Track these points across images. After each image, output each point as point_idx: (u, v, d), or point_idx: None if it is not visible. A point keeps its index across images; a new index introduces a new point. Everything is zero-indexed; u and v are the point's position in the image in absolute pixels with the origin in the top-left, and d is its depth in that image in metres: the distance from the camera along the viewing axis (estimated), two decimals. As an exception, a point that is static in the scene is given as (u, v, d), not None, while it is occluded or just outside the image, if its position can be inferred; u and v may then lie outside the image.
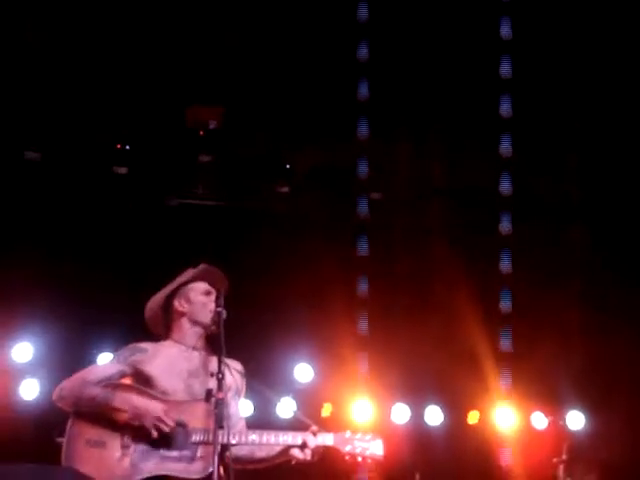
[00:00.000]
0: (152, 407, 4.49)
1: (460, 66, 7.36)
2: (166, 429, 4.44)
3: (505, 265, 8.13)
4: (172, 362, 4.69)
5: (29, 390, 7.91)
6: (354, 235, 8.09)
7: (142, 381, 4.64)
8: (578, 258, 8.28)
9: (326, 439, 4.52)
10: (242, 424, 4.77)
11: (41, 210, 7.95)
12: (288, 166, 8.23)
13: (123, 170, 7.97)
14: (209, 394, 4.43)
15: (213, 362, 4.55)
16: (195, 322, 4.79)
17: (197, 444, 4.45)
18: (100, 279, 7.83)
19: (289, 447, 4.54)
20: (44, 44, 7.22)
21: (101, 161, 7.99)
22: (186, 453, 4.45)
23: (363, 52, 7.29)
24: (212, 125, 7.85)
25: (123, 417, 4.50)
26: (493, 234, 8.12)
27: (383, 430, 7.16)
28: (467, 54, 7.28)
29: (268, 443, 4.57)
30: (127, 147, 7.93)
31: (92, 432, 4.52)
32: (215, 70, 7.51)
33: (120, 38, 7.24)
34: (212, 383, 4.47)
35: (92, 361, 7.82)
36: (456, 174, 8.22)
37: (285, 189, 8.28)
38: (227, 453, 4.34)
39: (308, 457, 4.52)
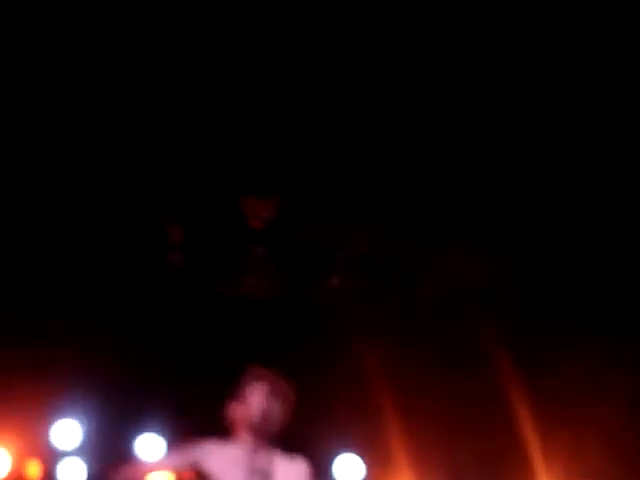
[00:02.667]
0: None
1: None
2: None
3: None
4: (233, 461, 4.79)
5: (72, 471, 7.92)
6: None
7: (201, 477, 4.76)
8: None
9: None
10: None
11: (96, 292, 8.08)
12: (341, 257, 8.31)
13: (179, 258, 8.10)
14: None
15: (274, 460, 4.62)
16: (250, 423, 4.89)
17: None
18: (150, 364, 7.91)
19: None
20: (102, 130, 7.41)
21: (157, 249, 8.13)
22: None
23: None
24: (266, 215, 7.97)
25: None
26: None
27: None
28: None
29: None
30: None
31: None
32: (272, 160, 7.64)
33: (174, 126, 7.41)
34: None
35: (133, 442, 7.92)
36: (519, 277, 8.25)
37: (335, 281, 8.36)
38: None
39: None
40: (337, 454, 8.33)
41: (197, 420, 6.99)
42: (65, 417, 7.98)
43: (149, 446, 7.96)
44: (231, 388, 5.10)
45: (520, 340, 8.21)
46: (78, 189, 7.76)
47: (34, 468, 7.87)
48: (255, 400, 4.90)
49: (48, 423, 7.95)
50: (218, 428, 5.14)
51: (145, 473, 4.78)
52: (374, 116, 7.17)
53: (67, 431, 7.96)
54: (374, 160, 7.50)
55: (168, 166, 7.63)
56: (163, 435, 8.00)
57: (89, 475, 7.87)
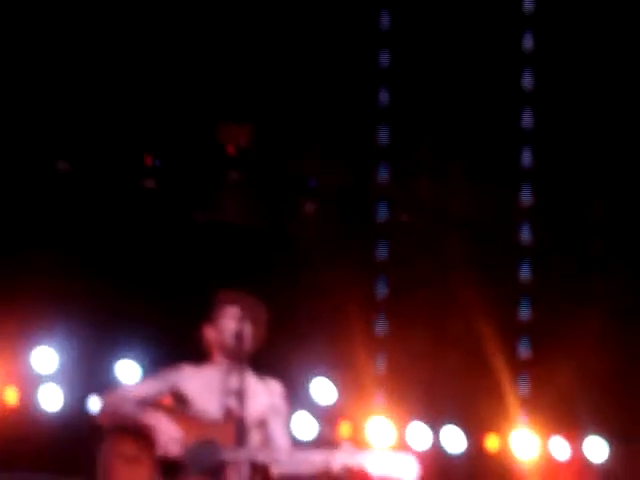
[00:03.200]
0: (168, 429, 4.59)
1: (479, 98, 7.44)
2: (172, 453, 4.53)
3: (525, 278, 8.14)
4: (209, 384, 4.80)
5: (50, 397, 7.97)
6: (374, 251, 8.13)
7: (179, 401, 4.78)
8: (600, 273, 8.27)
9: (357, 458, 4.55)
10: (285, 443, 4.86)
11: (69, 219, 8.04)
12: (314, 186, 8.29)
13: (152, 184, 8.06)
14: (229, 413, 4.53)
15: (250, 382, 4.68)
16: (224, 346, 4.92)
17: (226, 462, 4.52)
18: (125, 290, 7.91)
19: (328, 468, 4.56)
20: (77, 57, 7.32)
21: (130, 174, 8.07)
22: (215, 470, 4.52)
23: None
24: (242, 143, 7.92)
25: (151, 434, 4.60)
26: (512, 248, 8.14)
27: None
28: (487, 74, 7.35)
29: (297, 461, 4.63)
30: (157, 162, 8.02)
31: (128, 448, 4.63)
32: (247, 87, 7.59)
33: (156, 52, 7.33)
34: (240, 403, 4.57)
35: (113, 369, 7.96)
36: (475, 203, 8.26)
37: (311, 210, 8.36)
38: (270, 471, 4.52)
39: (344, 476, 4.56)
40: (312, 377, 8.38)
41: (173, 345, 7.02)
42: (42, 344, 7.98)
43: (126, 372, 7.99)
44: (205, 312, 5.13)
45: (496, 269, 8.26)
46: (51, 116, 7.68)
47: (12, 394, 7.91)
48: (228, 323, 4.92)
49: (26, 351, 7.95)
50: (194, 352, 5.17)
51: (130, 399, 4.86)
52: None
53: (44, 358, 7.96)
54: (344, 91, 7.48)
55: (144, 92, 7.56)
56: (140, 361, 8.02)
57: (66, 401, 7.90)
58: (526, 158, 7.84)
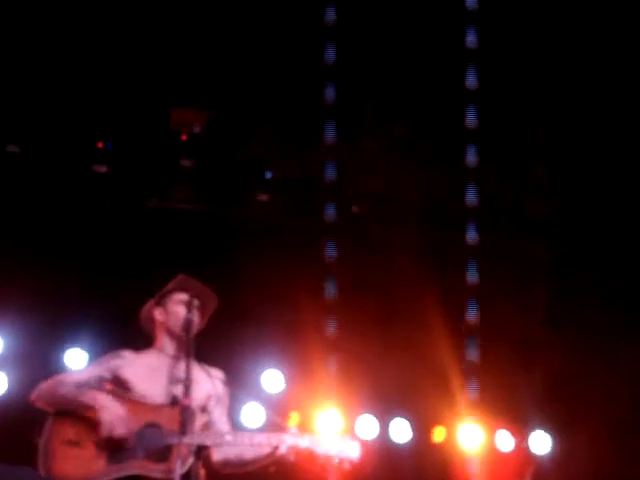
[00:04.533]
0: (113, 407, 4.56)
1: (426, 77, 7.45)
2: (117, 432, 4.51)
3: (471, 277, 8.20)
4: (152, 369, 4.81)
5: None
6: (324, 245, 8.13)
7: (120, 386, 4.74)
8: (544, 272, 8.36)
9: (302, 440, 4.60)
10: (227, 429, 4.86)
11: (18, 203, 7.92)
12: (268, 175, 8.26)
13: (103, 169, 7.96)
14: (175, 400, 4.49)
15: (193, 370, 4.63)
16: (171, 331, 4.90)
17: (170, 445, 4.51)
18: (74, 276, 7.80)
19: (275, 449, 4.61)
20: (28, 38, 7.21)
21: (81, 158, 7.97)
22: (159, 453, 4.52)
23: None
24: (196, 129, 7.86)
25: (93, 415, 4.56)
26: (459, 247, 8.18)
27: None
28: (432, 66, 7.37)
29: (242, 443, 4.66)
30: (109, 146, 7.93)
31: (69, 431, 4.60)
32: (202, 74, 7.53)
33: (108, 35, 7.25)
34: (184, 389, 4.53)
35: (61, 357, 7.85)
36: (422, 187, 8.28)
37: (264, 198, 8.32)
38: (213, 456, 4.60)
39: (290, 458, 4.58)
40: (263, 368, 8.36)
41: (122, 333, 6.93)
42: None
43: (75, 361, 7.89)
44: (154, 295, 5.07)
45: (444, 267, 8.31)
46: (2, 99, 7.57)
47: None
48: (177, 309, 4.90)
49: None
50: (143, 341, 5.12)
51: (69, 383, 4.78)
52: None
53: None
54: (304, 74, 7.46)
55: (98, 76, 7.47)
56: (87, 349, 7.93)
57: (10, 386, 7.79)
58: (470, 156, 7.88)
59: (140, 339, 5.13)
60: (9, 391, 7.77)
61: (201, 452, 4.50)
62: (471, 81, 7.37)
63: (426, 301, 8.07)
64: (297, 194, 8.40)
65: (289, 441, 4.57)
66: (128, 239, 8.03)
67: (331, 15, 7.06)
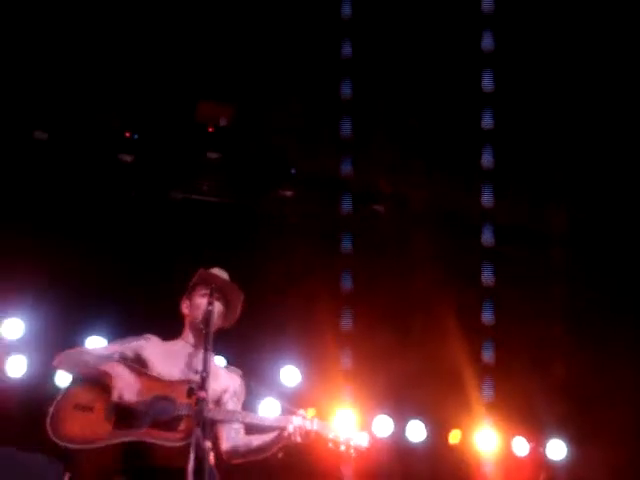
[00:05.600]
0: (127, 376, 4.69)
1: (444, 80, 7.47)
2: (127, 398, 4.62)
3: (488, 281, 8.19)
4: (173, 355, 4.96)
5: (17, 367, 7.90)
6: (343, 244, 8.15)
7: (139, 363, 4.89)
8: (562, 275, 8.33)
9: (310, 423, 4.66)
10: (239, 425, 4.94)
11: (45, 189, 7.98)
12: (293, 171, 8.28)
13: (129, 158, 8.01)
14: (191, 391, 4.54)
15: (212, 363, 4.74)
16: (194, 324, 5.03)
17: (180, 417, 4.61)
18: (97, 263, 7.85)
19: (281, 432, 4.67)
20: (59, 27, 7.26)
21: (108, 147, 8.01)
22: (166, 424, 4.62)
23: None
24: (222, 122, 7.90)
25: (109, 381, 4.69)
26: (476, 251, 8.18)
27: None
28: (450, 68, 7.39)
29: (252, 422, 4.79)
30: (135, 136, 7.97)
31: (82, 397, 4.73)
32: (229, 67, 7.57)
33: (140, 27, 7.30)
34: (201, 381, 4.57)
35: (81, 343, 7.89)
36: (440, 188, 8.28)
37: (288, 193, 8.34)
38: (222, 445, 4.75)
39: (298, 439, 4.63)
40: (281, 364, 8.37)
41: (144, 322, 6.96)
42: (11, 315, 7.92)
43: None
44: (178, 289, 5.18)
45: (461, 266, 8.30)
46: (30, 85, 7.63)
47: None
48: (200, 303, 4.99)
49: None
50: (164, 330, 5.18)
51: (91, 353, 4.95)
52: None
53: (12, 328, 7.90)
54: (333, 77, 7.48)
55: (127, 66, 7.52)
56: (107, 337, 7.95)
57: (29, 369, 7.84)
58: (487, 158, 7.88)
59: (161, 329, 5.19)
60: (28, 374, 7.82)
61: (211, 427, 4.57)
62: (488, 83, 7.38)
63: (443, 302, 8.07)
64: (319, 191, 8.42)
65: (297, 422, 4.64)
66: (151, 229, 8.08)
67: (347, 12, 7.10)
